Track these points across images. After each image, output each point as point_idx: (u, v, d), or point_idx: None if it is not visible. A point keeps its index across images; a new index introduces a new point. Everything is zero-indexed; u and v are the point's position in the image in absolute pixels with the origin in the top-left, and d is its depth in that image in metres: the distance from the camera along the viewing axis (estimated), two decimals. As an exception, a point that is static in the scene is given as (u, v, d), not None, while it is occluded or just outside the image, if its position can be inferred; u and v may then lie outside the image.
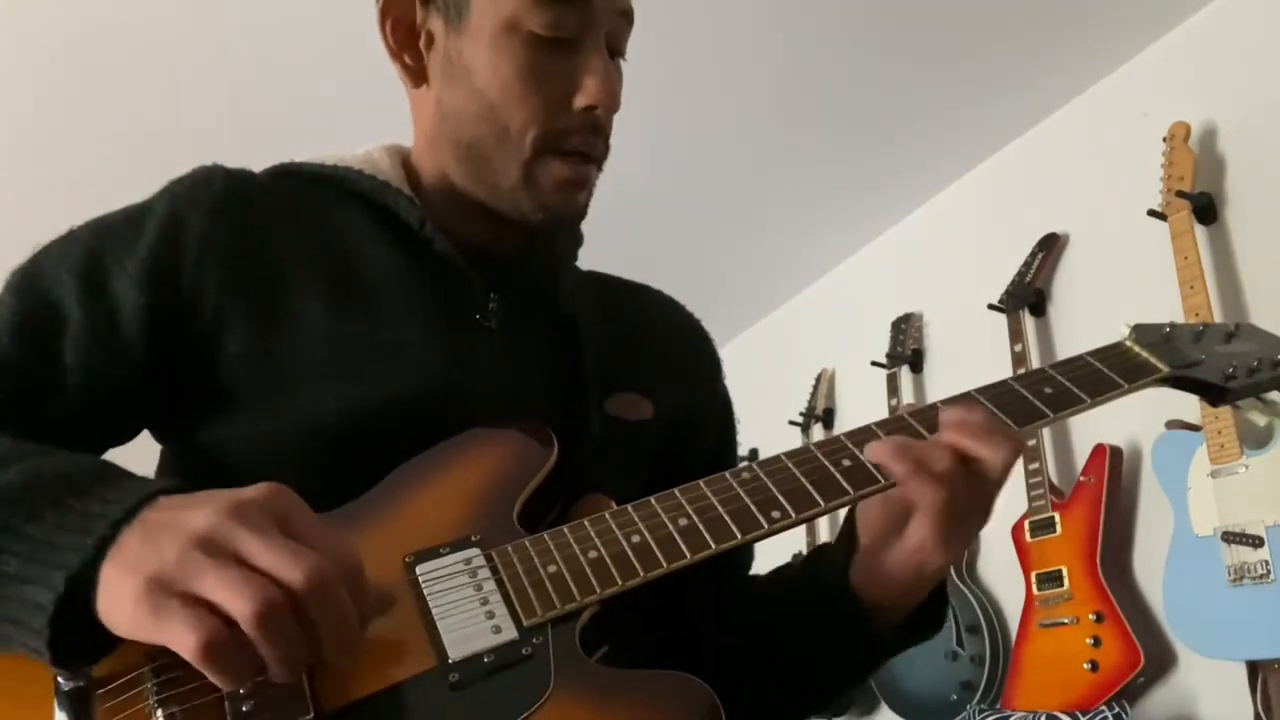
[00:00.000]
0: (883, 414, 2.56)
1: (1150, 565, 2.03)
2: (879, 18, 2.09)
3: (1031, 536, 2.16)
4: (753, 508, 0.71)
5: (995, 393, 0.79)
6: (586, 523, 0.70)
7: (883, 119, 2.43)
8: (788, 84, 2.29)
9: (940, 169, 2.66)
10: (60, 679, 0.59)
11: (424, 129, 0.86)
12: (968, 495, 0.71)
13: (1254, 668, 1.75)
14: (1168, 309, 1.92)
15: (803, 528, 2.86)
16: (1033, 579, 2.15)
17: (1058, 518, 2.12)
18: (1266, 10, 2.00)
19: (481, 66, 0.78)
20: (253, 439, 0.74)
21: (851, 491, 0.72)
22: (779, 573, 0.91)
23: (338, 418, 0.73)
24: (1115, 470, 2.09)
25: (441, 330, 0.80)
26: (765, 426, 3.05)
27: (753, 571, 0.94)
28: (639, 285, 1.01)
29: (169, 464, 0.81)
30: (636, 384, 0.88)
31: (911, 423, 0.76)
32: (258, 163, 0.86)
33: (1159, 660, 1.97)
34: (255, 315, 0.76)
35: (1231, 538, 1.77)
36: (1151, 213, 2.03)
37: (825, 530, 2.93)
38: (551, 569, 0.68)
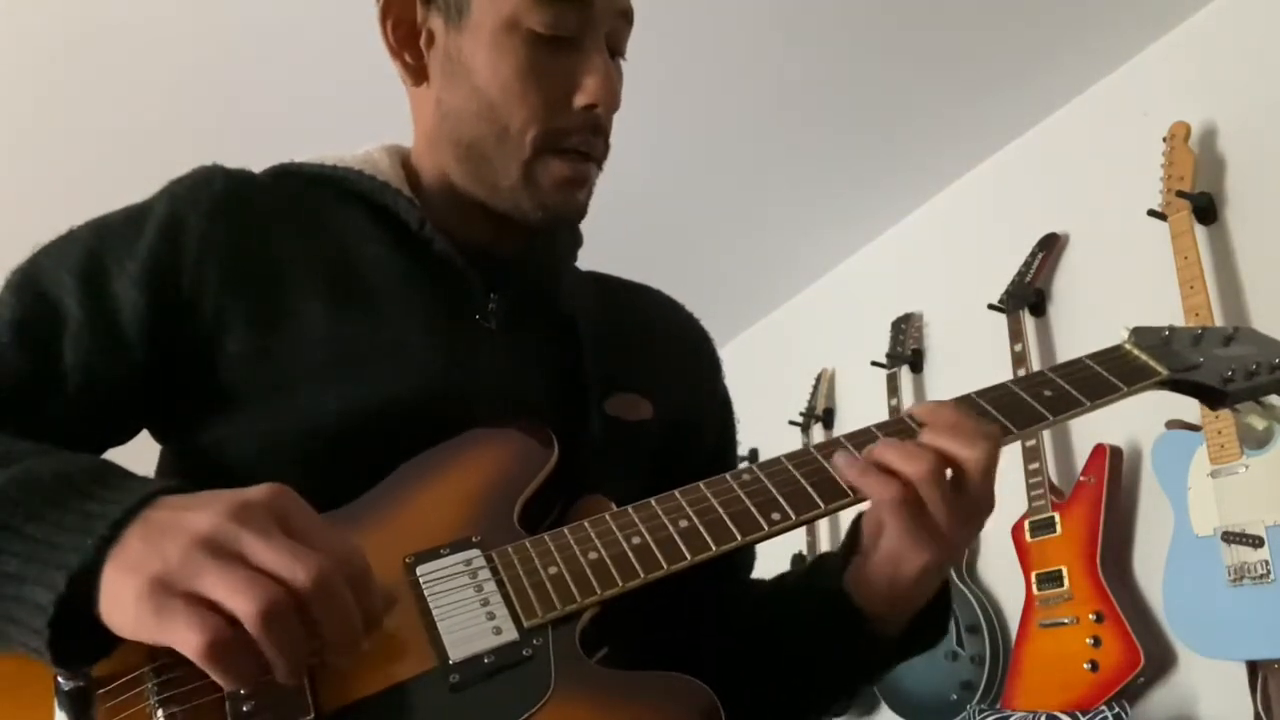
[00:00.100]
0: (883, 414, 2.56)
1: (1150, 565, 2.03)
2: (879, 18, 2.09)
3: (1031, 536, 2.16)
4: (753, 509, 0.71)
5: (995, 395, 0.79)
6: (587, 524, 0.70)
7: (883, 119, 2.43)
8: (788, 84, 2.29)
9: (940, 169, 2.66)
10: (60, 679, 0.59)
11: (424, 128, 0.86)
12: (940, 494, 0.70)
13: (1254, 668, 1.75)
14: (1168, 309, 1.92)
15: (803, 530, 2.86)
16: (1033, 579, 2.15)
17: (1058, 518, 2.12)
18: (1266, 10, 2.00)
19: (481, 65, 0.78)
20: (252, 439, 0.74)
21: (851, 494, 0.73)
22: (781, 578, 0.91)
23: (338, 418, 0.73)
24: (1115, 470, 2.09)
25: (441, 330, 0.80)
26: (765, 426, 3.05)
27: (753, 573, 0.94)
28: (639, 285, 1.01)
29: (169, 464, 0.81)
30: (636, 384, 0.88)
31: (910, 424, 0.76)
32: (258, 163, 0.86)
33: (1159, 660, 1.97)
34: (255, 315, 0.76)
35: (1231, 538, 1.77)
36: (1151, 213, 2.03)
37: (825, 532, 2.93)
38: (552, 570, 0.68)
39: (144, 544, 0.54)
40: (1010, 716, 2.11)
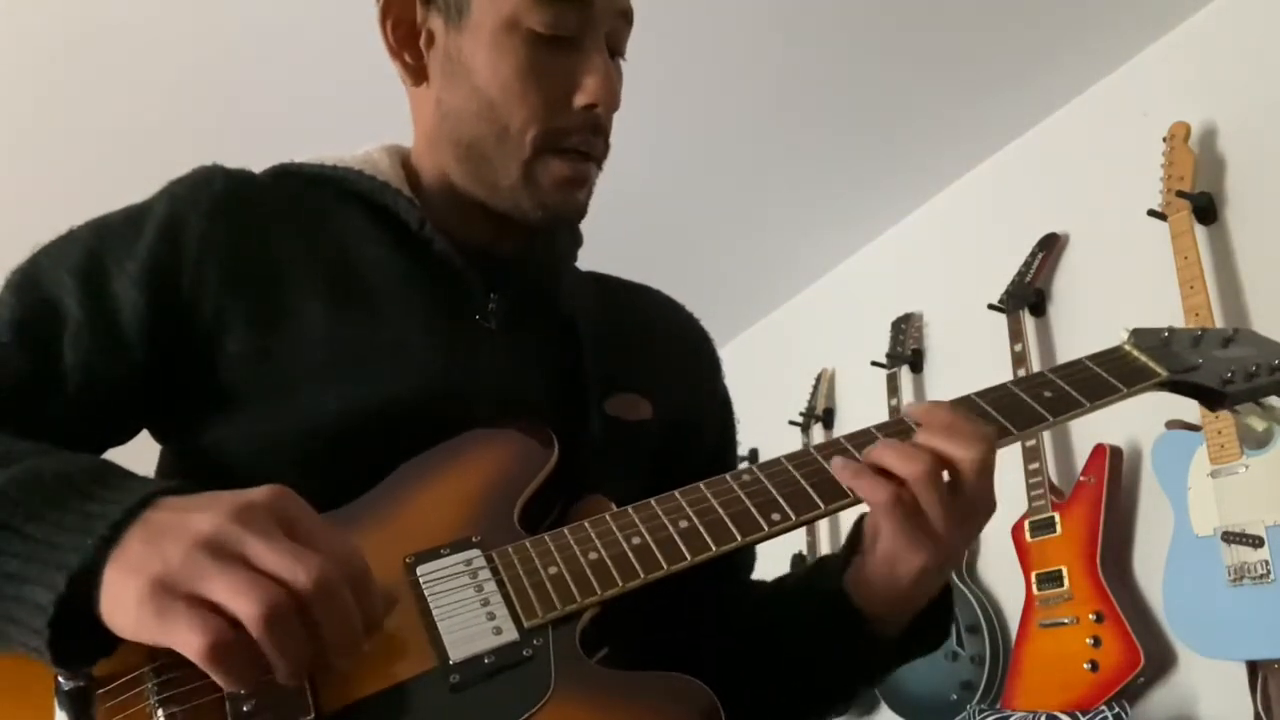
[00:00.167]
0: (883, 414, 2.57)
1: (1150, 565, 2.03)
2: (879, 18, 2.09)
3: (1031, 536, 2.16)
4: (753, 510, 0.71)
5: (995, 397, 0.79)
6: (587, 524, 0.70)
7: (883, 119, 2.43)
8: (788, 84, 2.29)
9: (940, 169, 2.66)
10: (61, 679, 0.59)
11: (424, 128, 0.86)
12: (936, 496, 0.70)
13: (1254, 668, 1.75)
14: (1168, 309, 1.92)
15: (803, 530, 2.86)
16: (1033, 579, 2.15)
17: (1058, 518, 2.12)
18: (1266, 10, 2.00)
19: (481, 65, 0.78)
20: (252, 439, 0.74)
21: (851, 494, 0.73)
22: (782, 579, 0.91)
23: (338, 418, 0.73)
24: (1115, 470, 2.09)
25: (441, 330, 0.80)
26: (765, 426, 3.05)
27: (754, 573, 0.94)
28: (639, 285, 1.01)
29: (169, 464, 0.81)
30: (636, 384, 0.88)
31: (910, 424, 0.76)
32: (258, 163, 0.86)
33: (1159, 660, 1.97)
34: (255, 315, 0.76)
35: (1231, 538, 1.77)
36: (1151, 213, 2.03)
37: (825, 533, 2.93)
38: (552, 570, 0.68)
39: (145, 545, 0.54)
40: (1010, 716, 2.11)
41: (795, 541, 2.95)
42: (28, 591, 0.55)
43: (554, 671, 0.64)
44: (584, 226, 0.90)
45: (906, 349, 2.71)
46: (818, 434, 3.05)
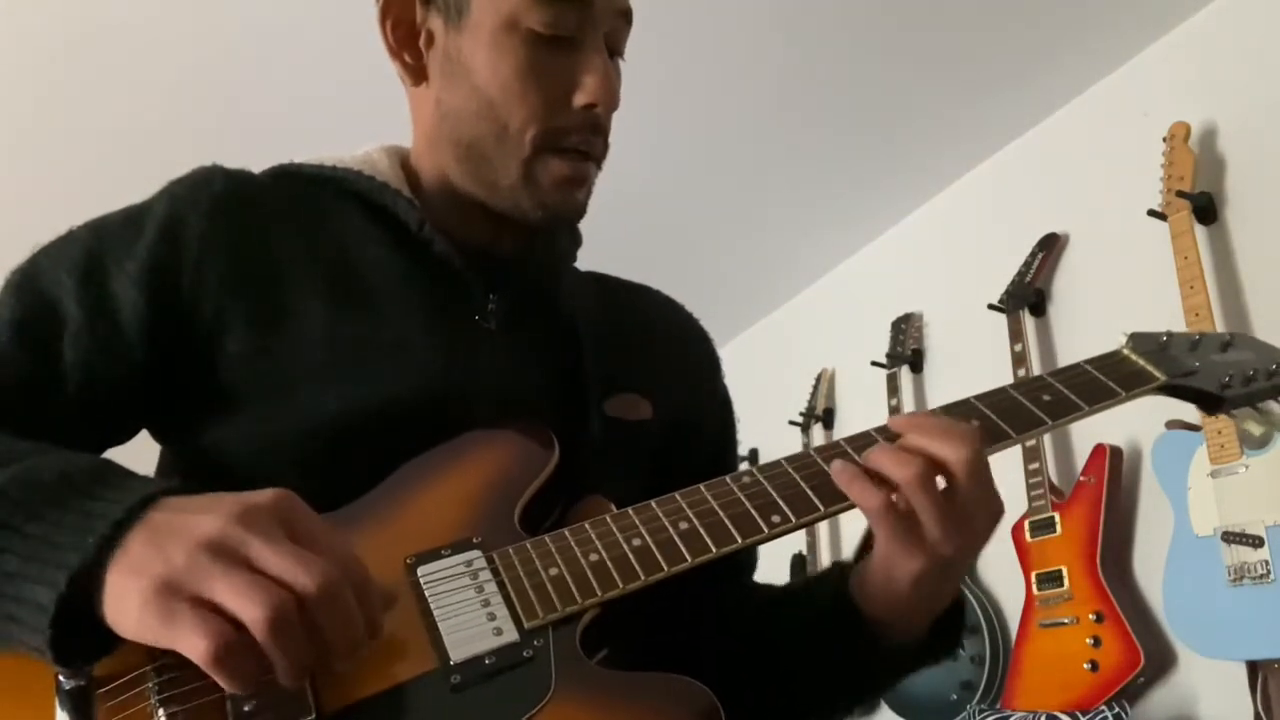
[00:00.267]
0: (883, 414, 2.56)
1: (1150, 565, 2.03)
2: (879, 18, 2.09)
3: (1031, 536, 2.16)
4: (753, 512, 0.71)
5: (994, 400, 0.79)
6: (587, 525, 0.71)
7: (883, 119, 2.43)
8: (788, 84, 2.29)
9: (940, 169, 2.66)
10: (61, 678, 0.59)
11: (423, 128, 0.86)
12: (930, 500, 0.69)
13: (1254, 668, 1.75)
14: (1168, 309, 1.92)
15: (803, 531, 2.87)
16: (1033, 579, 2.15)
17: (1058, 518, 2.12)
18: (1266, 10, 2.00)
19: (481, 65, 0.78)
20: (252, 439, 0.74)
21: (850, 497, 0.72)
22: (787, 585, 0.91)
23: (337, 418, 0.73)
24: (1115, 470, 2.09)
25: (441, 331, 0.80)
26: (765, 426, 3.05)
27: (754, 574, 0.94)
28: (639, 285, 1.01)
29: (168, 464, 0.81)
30: (636, 384, 0.88)
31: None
32: (258, 163, 0.86)
33: (1159, 660, 1.97)
34: (255, 315, 0.76)
35: (1231, 538, 1.77)
36: (1151, 213, 2.03)
37: (825, 534, 2.94)
38: (552, 571, 0.68)
39: (147, 546, 0.54)
40: (1010, 716, 2.11)
41: (796, 542, 2.95)
42: (28, 591, 0.55)
43: (554, 672, 0.64)
44: (584, 226, 0.90)
45: (906, 349, 2.71)
46: (818, 434, 3.05)
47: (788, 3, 2.04)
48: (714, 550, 0.69)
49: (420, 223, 0.82)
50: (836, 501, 0.72)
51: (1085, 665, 1.99)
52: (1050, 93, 2.37)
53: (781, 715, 0.83)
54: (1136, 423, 2.06)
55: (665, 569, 0.68)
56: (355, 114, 1.61)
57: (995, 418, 0.77)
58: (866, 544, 0.79)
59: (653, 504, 0.72)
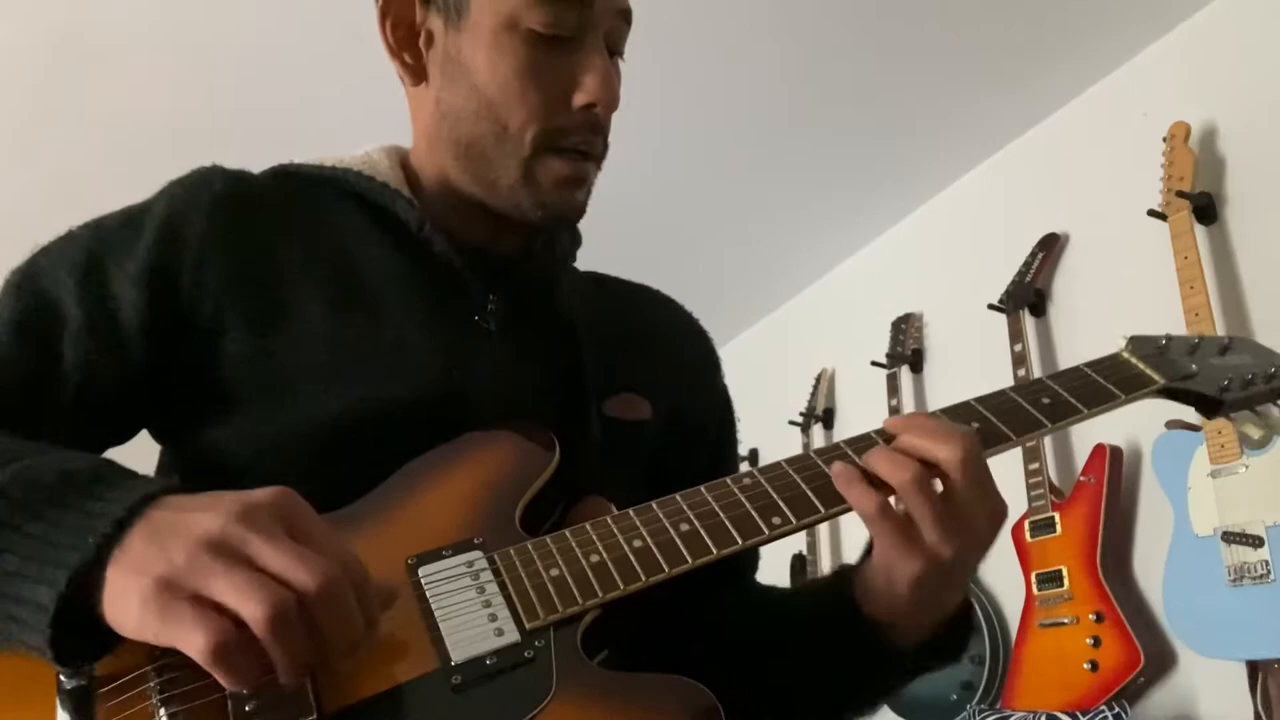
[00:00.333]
0: (883, 414, 2.56)
1: (1150, 565, 2.03)
2: (879, 17, 2.09)
3: (1031, 536, 2.16)
4: (754, 513, 0.71)
5: (994, 403, 0.79)
6: (588, 526, 0.71)
7: (883, 119, 2.43)
8: (788, 84, 2.29)
9: (940, 169, 2.66)
10: (62, 677, 0.59)
11: (423, 128, 0.86)
12: (927, 503, 0.69)
13: (1254, 668, 1.75)
14: (1168, 309, 1.92)
15: (803, 533, 2.86)
16: (1033, 579, 2.15)
17: (1058, 518, 2.12)
18: (1266, 10, 2.00)
19: (481, 65, 0.78)
20: (252, 439, 0.74)
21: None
22: (790, 587, 0.91)
23: (337, 419, 0.73)
24: (1115, 470, 2.09)
25: (441, 331, 0.80)
26: (765, 426, 3.05)
27: (757, 575, 0.94)
28: (638, 285, 1.01)
29: (168, 464, 0.80)
30: (635, 384, 0.88)
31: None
32: (258, 163, 0.86)
33: (1159, 660, 1.97)
34: (255, 316, 0.76)
35: (1231, 538, 1.77)
36: (1151, 213, 2.03)
37: (826, 535, 2.93)
38: (553, 572, 0.68)
39: (148, 544, 0.54)
40: (1010, 716, 2.11)
41: (796, 543, 2.95)
42: (29, 590, 0.55)
43: (555, 673, 0.64)
44: (584, 226, 0.90)
45: (906, 349, 2.71)
46: (818, 434, 3.05)
47: (788, 3, 2.04)
48: (714, 552, 0.69)
49: (420, 223, 0.82)
50: (837, 503, 0.72)
51: (1085, 665, 1.99)
52: (1050, 93, 2.37)
53: (782, 717, 0.83)
54: (1137, 423, 2.06)
55: (666, 570, 0.68)
56: (355, 115, 1.61)
57: (995, 420, 0.77)
58: (871, 546, 0.78)
59: (653, 505, 0.72)
